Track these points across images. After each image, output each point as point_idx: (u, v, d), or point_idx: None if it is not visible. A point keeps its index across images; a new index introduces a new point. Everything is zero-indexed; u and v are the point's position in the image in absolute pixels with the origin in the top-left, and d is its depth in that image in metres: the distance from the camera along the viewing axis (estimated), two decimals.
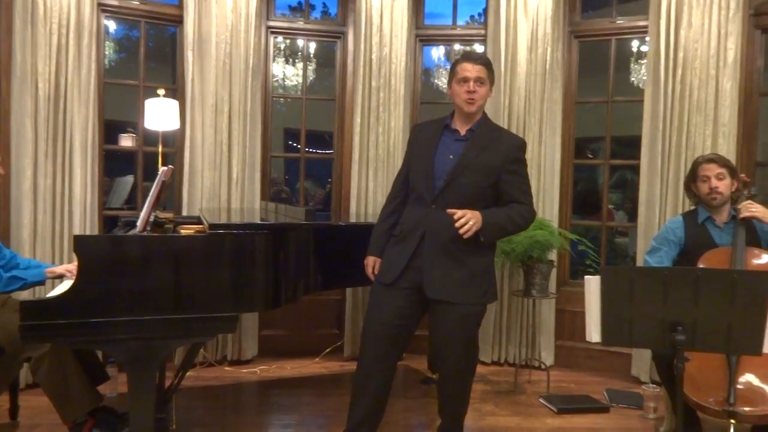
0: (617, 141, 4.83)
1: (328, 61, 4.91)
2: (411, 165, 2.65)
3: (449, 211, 2.41)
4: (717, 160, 2.97)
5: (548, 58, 4.33)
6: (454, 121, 2.62)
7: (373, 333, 2.58)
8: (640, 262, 4.00)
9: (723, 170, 2.93)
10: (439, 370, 2.70)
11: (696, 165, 3.02)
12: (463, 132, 2.58)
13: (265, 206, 4.12)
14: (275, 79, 5.11)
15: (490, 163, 2.50)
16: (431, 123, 2.73)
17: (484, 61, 2.56)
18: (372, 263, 2.68)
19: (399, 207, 2.70)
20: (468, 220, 2.37)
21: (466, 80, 2.52)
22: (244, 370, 4.20)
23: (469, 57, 2.55)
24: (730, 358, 2.49)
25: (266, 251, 2.55)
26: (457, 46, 4.88)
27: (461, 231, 2.35)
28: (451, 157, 2.53)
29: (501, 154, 2.52)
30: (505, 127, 4.19)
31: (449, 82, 2.61)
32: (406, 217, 2.63)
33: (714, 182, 2.91)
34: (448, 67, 4.93)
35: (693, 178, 3.02)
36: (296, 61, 5.35)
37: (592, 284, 2.10)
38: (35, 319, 2.24)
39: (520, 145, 2.59)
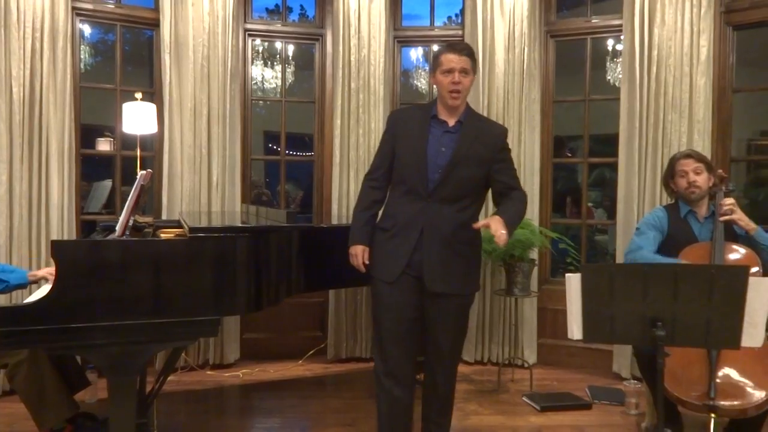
0: (595, 139, 4.87)
1: (306, 64, 4.89)
2: (399, 155, 2.61)
3: (476, 225, 2.39)
4: (693, 155, 3.02)
5: (525, 57, 4.36)
6: (439, 112, 2.61)
7: (392, 333, 2.58)
8: (620, 259, 4.04)
9: (700, 165, 2.97)
10: (430, 360, 2.68)
11: (673, 161, 3.06)
12: (451, 123, 2.58)
13: (246, 209, 4.09)
14: (254, 81, 5.06)
15: (481, 155, 2.53)
16: (414, 111, 2.70)
17: (468, 51, 2.56)
18: (361, 252, 2.62)
19: (381, 197, 2.69)
20: (504, 233, 2.32)
21: (451, 71, 2.52)
22: (227, 374, 4.17)
23: (454, 47, 2.55)
24: (710, 353, 2.51)
25: (247, 254, 2.53)
26: (435, 47, 4.89)
27: (501, 243, 2.32)
28: (443, 150, 2.53)
29: (490, 145, 2.55)
30: None
31: (432, 72, 2.60)
32: (398, 210, 2.59)
33: (692, 176, 2.95)
34: (427, 68, 4.94)
35: (671, 174, 3.05)
36: (275, 63, 5.31)
37: (573, 282, 2.11)
38: (12, 326, 2.19)
39: (505, 133, 2.64)
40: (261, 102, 5.88)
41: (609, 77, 5.41)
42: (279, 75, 5.06)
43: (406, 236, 2.55)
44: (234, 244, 2.50)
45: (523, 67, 4.36)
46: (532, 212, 4.33)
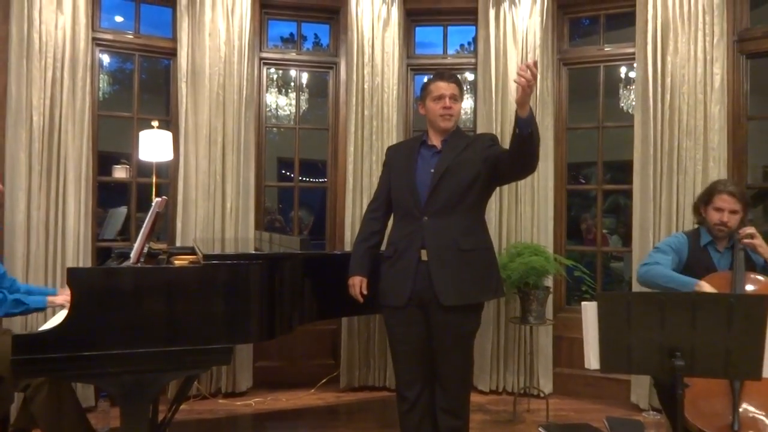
0: (609, 166, 4.87)
1: (320, 91, 4.95)
2: (393, 184, 2.69)
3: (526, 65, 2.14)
4: (737, 194, 2.83)
5: (538, 85, 4.37)
6: (429, 138, 2.69)
7: (407, 360, 2.60)
8: (636, 288, 3.99)
9: (739, 206, 2.82)
10: (439, 380, 2.65)
11: (714, 191, 2.88)
12: (439, 145, 2.67)
13: (259, 236, 4.10)
14: (268, 109, 5.12)
15: (468, 158, 2.59)
16: (406, 143, 2.89)
17: (455, 79, 2.69)
18: (359, 283, 2.69)
19: (380, 228, 2.77)
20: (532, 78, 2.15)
21: (441, 97, 2.63)
22: (239, 403, 4.14)
23: (442, 76, 2.68)
24: (733, 384, 2.46)
25: (261, 281, 2.54)
26: None
27: (524, 79, 2.13)
28: (432, 171, 2.60)
29: (478, 148, 2.62)
30: None
31: (422, 101, 2.71)
32: (396, 236, 2.65)
33: (726, 216, 2.81)
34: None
35: (706, 201, 2.90)
36: (289, 91, 5.39)
37: (589, 310, 2.09)
38: (27, 353, 2.20)
39: (492, 137, 2.69)
40: (275, 129, 5.95)
41: (622, 104, 5.43)
42: (293, 102, 5.12)
43: (407, 259, 2.58)
44: (247, 271, 2.50)
45: (536, 94, 4.37)
46: (547, 239, 4.31)
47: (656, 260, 2.82)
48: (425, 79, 2.76)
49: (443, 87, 2.63)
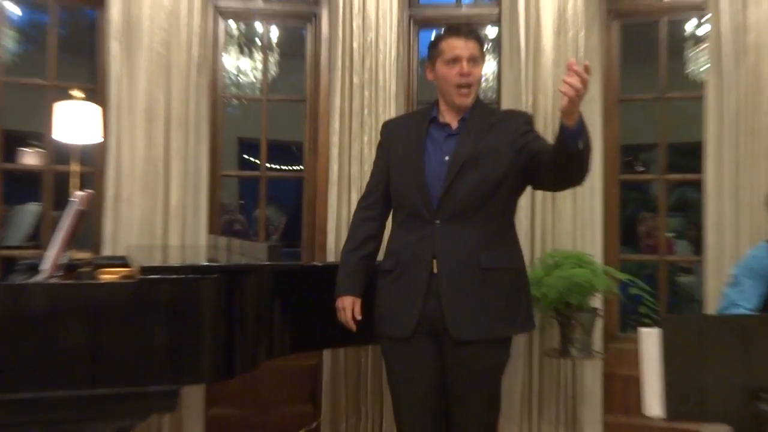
0: (674, 149, 4.86)
1: (295, 51, 4.93)
2: (393, 173, 2.68)
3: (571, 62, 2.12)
4: None
5: (581, 44, 4.36)
6: (441, 114, 2.67)
7: (414, 407, 2.61)
8: (710, 309, 3.98)
9: None
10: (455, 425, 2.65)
11: None
12: (455, 124, 2.64)
13: (215, 242, 4.09)
14: (227, 74, 5.11)
15: (494, 146, 2.57)
16: (409, 117, 2.85)
17: (475, 35, 2.65)
18: (350, 305, 2.68)
19: (376, 231, 2.77)
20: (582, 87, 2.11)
21: (456, 60, 2.60)
22: None
23: (458, 31, 2.64)
24: None
25: (216, 303, 2.54)
26: None
27: (572, 88, 2.10)
28: (446, 158, 2.59)
29: (508, 132, 2.59)
30: None
31: (432, 63, 2.68)
32: (400, 244, 2.65)
33: None
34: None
35: None
36: (254, 51, 5.38)
37: (650, 339, 2.10)
38: None
39: (527, 119, 2.69)
40: (236, 101, 5.92)
41: (691, 68, 5.43)
42: (259, 66, 5.11)
43: (413, 276, 2.58)
44: (198, 289, 2.50)
45: (578, 55, 4.35)
46: (594, 246, 4.31)
47: (733, 300, 2.83)
48: (433, 35, 2.75)
49: (459, 46, 2.59)
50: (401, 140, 2.71)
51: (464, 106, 2.63)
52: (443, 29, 2.71)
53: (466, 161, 2.54)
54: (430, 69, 2.69)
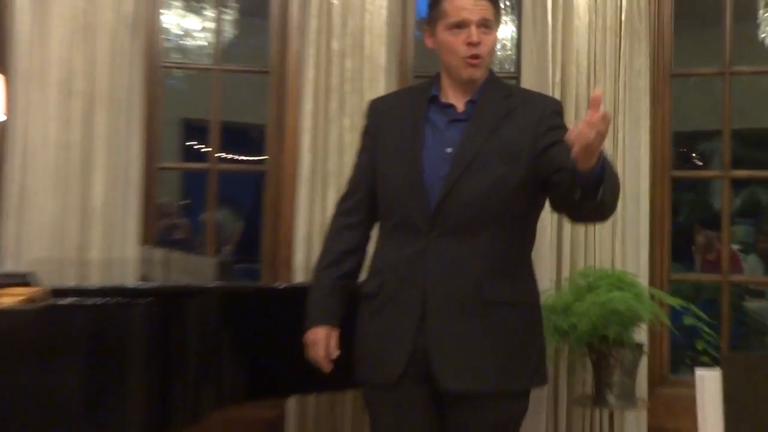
0: (741, 138, 4.88)
1: (256, 8, 4.90)
2: (381, 172, 2.66)
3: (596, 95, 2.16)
4: None
5: (624, 3, 4.36)
6: (443, 92, 2.66)
7: None
8: None
9: None
10: None
11: None
12: (461, 107, 2.63)
13: (148, 255, 4.07)
14: (168, 37, 5.08)
15: (511, 142, 2.54)
16: (403, 96, 2.85)
17: None
18: (324, 339, 2.63)
19: (359, 243, 2.75)
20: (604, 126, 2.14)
21: (464, 25, 2.57)
22: None
23: None
24: None
25: (148, 336, 2.53)
26: None
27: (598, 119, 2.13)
28: (448, 151, 2.57)
29: (529, 125, 2.56)
30: None
31: (431, 27, 2.65)
32: (385, 261, 2.63)
33: None
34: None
35: None
36: (204, 7, 5.34)
37: (709, 383, 2.13)
38: None
39: (555, 109, 2.67)
40: (179, 71, 5.88)
41: (762, 35, 5.44)
42: (211, 26, 5.07)
43: (401, 304, 2.56)
44: (125, 318, 2.49)
45: (620, 18, 4.37)
46: (638, 262, 4.31)
47: None
48: None
49: (467, 6, 2.56)
50: (393, 125, 2.68)
51: (474, 82, 2.61)
52: None
53: (476, 158, 2.52)
54: (429, 34, 2.67)
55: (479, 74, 2.60)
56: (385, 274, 2.61)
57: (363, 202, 2.73)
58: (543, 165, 2.52)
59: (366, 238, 2.77)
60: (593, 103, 2.15)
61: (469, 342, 2.50)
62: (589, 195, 2.23)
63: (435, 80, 2.69)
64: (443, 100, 2.64)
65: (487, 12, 2.58)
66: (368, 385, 2.65)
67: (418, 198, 2.54)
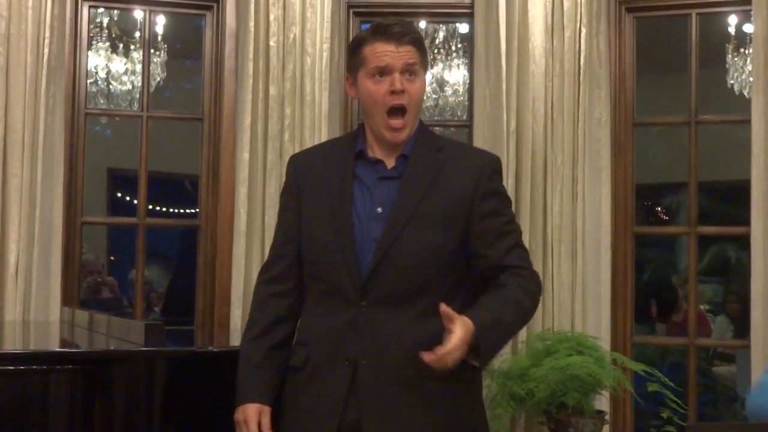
0: (708, 191, 4.95)
1: (189, 50, 4.93)
2: (307, 234, 2.61)
3: (444, 309, 2.32)
4: None
5: (583, 46, 4.44)
6: (369, 146, 2.63)
7: None
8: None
9: None
10: None
11: None
12: (391, 162, 2.60)
13: (71, 317, 4.00)
14: (93, 79, 5.07)
15: (445, 209, 2.52)
16: (325, 149, 2.79)
17: (413, 36, 2.58)
18: (255, 418, 2.54)
19: (289, 309, 2.66)
20: (450, 350, 2.30)
21: (386, 72, 2.53)
22: None
23: (388, 31, 2.53)
24: None
25: (70, 405, 2.51)
26: (422, 24, 4.97)
27: (434, 361, 2.32)
28: (379, 210, 2.53)
29: (463, 192, 2.55)
30: (511, 174, 4.26)
31: (352, 75, 2.62)
32: (311, 331, 2.55)
33: None
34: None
35: None
36: (131, 48, 5.35)
37: None
38: None
39: (494, 168, 2.63)
40: (104, 118, 5.86)
41: (731, 82, 5.54)
42: (138, 69, 5.08)
43: (327, 379, 2.50)
44: (44, 387, 2.48)
45: (578, 63, 4.44)
46: (599, 324, 4.35)
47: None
48: (356, 35, 2.70)
49: (389, 52, 2.52)
50: (318, 182, 2.60)
51: (397, 143, 2.57)
52: (367, 29, 2.61)
53: (409, 222, 2.49)
54: (350, 82, 2.64)
55: (403, 136, 2.56)
56: (310, 346, 2.56)
57: (292, 268, 2.62)
58: (472, 240, 2.53)
59: (297, 306, 2.63)
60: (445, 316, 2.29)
61: (403, 418, 2.47)
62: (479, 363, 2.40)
63: (360, 133, 2.67)
64: (370, 155, 2.60)
65: (412, 56, 2.55)
66: None
67: (348, 263, 2.49)
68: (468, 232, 2.52)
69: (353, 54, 2.60)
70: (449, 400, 2.51)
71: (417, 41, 2.59)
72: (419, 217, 2.49)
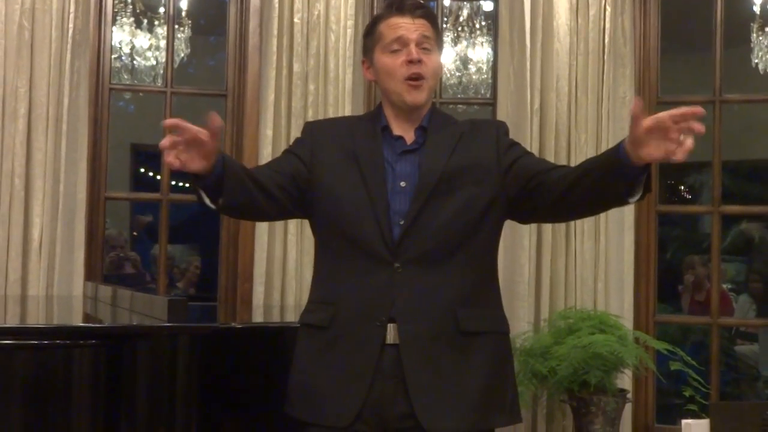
0: (732, 170, 4.92)
1: (213, 26, 4.92)
2: (329, 191, 2.56)
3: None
4: None
5: (608, 25, 4.42)
6: (389, 123, 2.63)
7: None
8: None
9: None
10: None
11: None
12: (410, 137, 2.61)
13: (94, 292, 4.02)
14: (117, 55, 5.07)
15: (474, 163, 2.55)
16: (348, 122, 2.79)
17: (425, 11, 2.61)
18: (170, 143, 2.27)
19: (272, 191, 2.51)
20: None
21: (401, 43, 2.55)
22: None
23: (401, 6, 2.57)
24: None
25: (93, 381, 2.51)
26: (446, 1, 4.95)
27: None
28: (403, 185, 2.55)
29: (484, 146, 2.59)
30: (535, 152, 4.24)
31: (369, 57, 2.63)
32: (340, 288, 2.52)
33: None
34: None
35: None
36: (155, 24, 5.34)
37: None
38: None
39: (505, 129, 2.68)
40: (128, 93, 5.87)
41: (756, 61, 5.50)
42: (162, 45, 5.07)
43: (359, 342, 2.49)
44: (69, 361, 2.47)
45: (603, 41, 4.42)
46: (622, 303, 4.34)
47: None
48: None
49: (403, 25, 2.55)
50: (341, 149, 2.60)
51: (418, 107, 2.59)
52: (384, 6, 2.66)
53: (437, 186, 2.52)
54: (367, 65, 2.65)
55: (423, 97, 2.56)
56: (338, 305, 2.55)
57: (286, 188, 2.54)
58: (515, 177, 2.53)
59: (274, 204, 2.52)
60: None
61: (448, 380, 2.48)
62: (623, 194, 2.26)
63: (380, 112, 2.68)
64: (392, 132, 2.62)
65: (426, 29, 2.57)
66: (316, 427, 2.60)
67: (381, 224, 2.50)
68: (503, 180, 2.54)
69: (369, 35, 2.63)
70: (488, 360, 2.53)
71: (430, 15, 2.63)
72: (447, 178, 2.51)
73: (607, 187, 2.29)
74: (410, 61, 2.51)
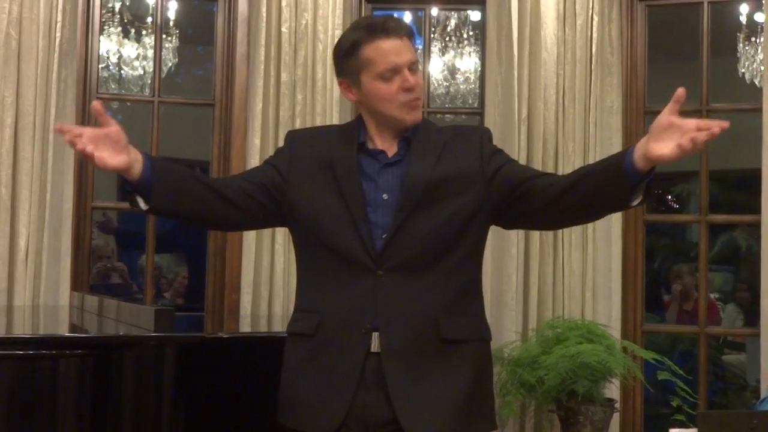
0: (719, 180, 4.92)
1: (200, 35, 4.91)
2: (308, 205, 2.56)
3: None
4: None
5: (595, 35, 4.43)
6: (371, 138, 2.63)
7: None
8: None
9: None
10: None
11: None
12: (393, 150, 2.60)
13: (81, 302, 4.01)
14: (105, 65, 5.05)
15: (458, 172, 2.54)
16: (328, 133, 2.77)
17: (409, 29, 2.61)
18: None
19: (225, 192, 2.53)
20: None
21: (395, 71, 2.55)
22: None
23: (386, 28, 2.54)
24: None
25: (79, 391, 2.51)
26: (433, 11, 4.95)
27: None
28: (384, 197, 2.55)
29: (467, 154, 2.58)
30: (522, 161, 4.24)
31: (351, 79, 2.58)
32: (324, 298, 2.54)
33: None
34: (420, 45, 4.98)
35: None
36: (143, 34, 5.33)
37: None
38: None
39: (489, 136, 2.68)
40: (116, 103, 5.85)
41: (742, 71, 5.52)
42: (150, 54, 5.06)
43: (343, 351, 2.50)
44: (54, 372, 2.47)
45: (590, 51, 4.43)
46: (609, 312, 4.34)
47: None
48: (343, 37, 2.65)
49: (394, 48, 2.53)
50: (320, 165, 2.63)
51: (417, 122, 2.58)
52: (356, 29, 2.60)
53: (422, 198, 2.52)
54: (346, 86, 2.61)
55: (420, 114, 2.60)
56: (323, 314, 2.56)
57: (254, 195, 2.52)
58: (500, 184, 2.53)
59: (232, 204, 2.52)
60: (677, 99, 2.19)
61: (430, 387, 2.49)
62: (626, 199, 2.27)
63: (359, 125, 2.67)
64: (371, 146, 2.61)
65: (412, 52, 2.59)
66: None
67: (363, 238, 2.51)
68: (488, 188, 2.54)
69: (349, 57, 2.56)
70: (470, 367, 2.54)
71: (412, 32, 2.64)
72: (430, 193, 2.51)
73: (608, 190, 2.31)
74: (406, 89, 2.51)
